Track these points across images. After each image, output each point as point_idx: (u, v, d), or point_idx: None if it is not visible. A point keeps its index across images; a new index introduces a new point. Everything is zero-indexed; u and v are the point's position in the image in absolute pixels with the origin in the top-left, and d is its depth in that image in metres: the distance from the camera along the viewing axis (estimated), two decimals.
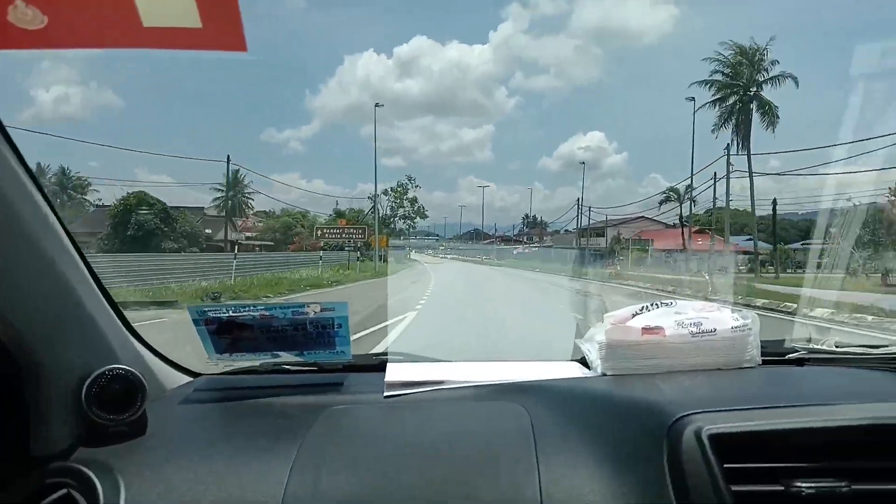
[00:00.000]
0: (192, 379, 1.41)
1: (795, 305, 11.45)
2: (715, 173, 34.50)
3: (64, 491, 0.93)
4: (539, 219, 76.11)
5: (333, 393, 1.30)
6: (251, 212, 48.18)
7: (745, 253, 36.52)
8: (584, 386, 1.26)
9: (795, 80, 32.87)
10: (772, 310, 12.04)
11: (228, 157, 32.03)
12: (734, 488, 0.87)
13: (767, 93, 32.62)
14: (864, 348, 1.40)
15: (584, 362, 1.40)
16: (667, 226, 53.37)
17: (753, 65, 32.75)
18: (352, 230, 32.20)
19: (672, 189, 46.11)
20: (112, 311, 1.15)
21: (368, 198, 45.19)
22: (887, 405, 1.04)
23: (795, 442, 0.94)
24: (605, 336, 1.31)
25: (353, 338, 1.31)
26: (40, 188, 0.94)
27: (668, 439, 0.94)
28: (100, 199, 43.24)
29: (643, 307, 1.35)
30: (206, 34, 0.84)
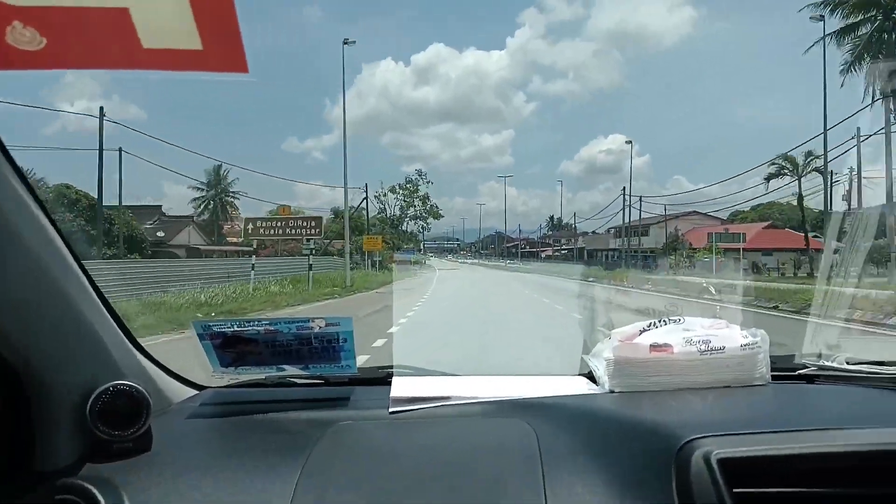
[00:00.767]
0: (197, 392, 1.40)
1: None
2: (858, 129, 25.47)
3: None
4: (570, 219, 67.48)
5: (339, 408, 1.29)
6: (237, 213, 42.03)
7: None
8: (592, 404, 1.25)
9: None
10: None
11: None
12: None
13: None
14: (875, 366, 1.38)
15: (591, 377, 1.39)
16: (722, 221, 45.69)
17: None
18: (300, 223, 21.95)
19: (786, 157, 33.81)
20: (115, 326, 1.15)
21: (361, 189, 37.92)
22: None
23: (806, 467, 0.92)
24: (613, 353, 1.30)
25: None
26: (39, 201, 0.93)
27: (676, 463, 0.93)
28: None
29: (651, 323, 1.34)
30: (206, 56, 0.84)
